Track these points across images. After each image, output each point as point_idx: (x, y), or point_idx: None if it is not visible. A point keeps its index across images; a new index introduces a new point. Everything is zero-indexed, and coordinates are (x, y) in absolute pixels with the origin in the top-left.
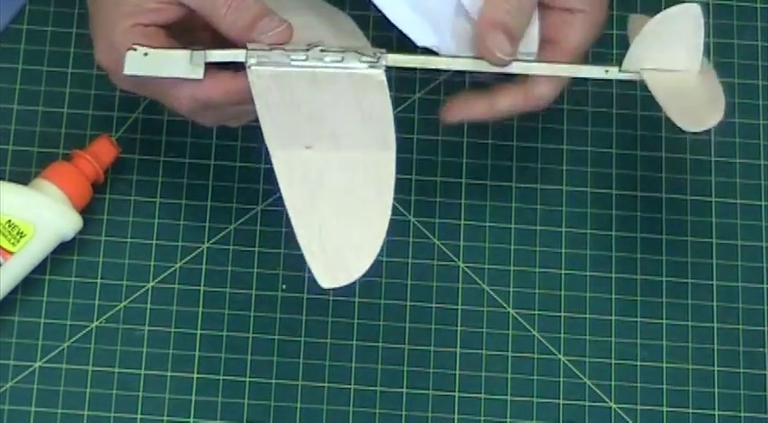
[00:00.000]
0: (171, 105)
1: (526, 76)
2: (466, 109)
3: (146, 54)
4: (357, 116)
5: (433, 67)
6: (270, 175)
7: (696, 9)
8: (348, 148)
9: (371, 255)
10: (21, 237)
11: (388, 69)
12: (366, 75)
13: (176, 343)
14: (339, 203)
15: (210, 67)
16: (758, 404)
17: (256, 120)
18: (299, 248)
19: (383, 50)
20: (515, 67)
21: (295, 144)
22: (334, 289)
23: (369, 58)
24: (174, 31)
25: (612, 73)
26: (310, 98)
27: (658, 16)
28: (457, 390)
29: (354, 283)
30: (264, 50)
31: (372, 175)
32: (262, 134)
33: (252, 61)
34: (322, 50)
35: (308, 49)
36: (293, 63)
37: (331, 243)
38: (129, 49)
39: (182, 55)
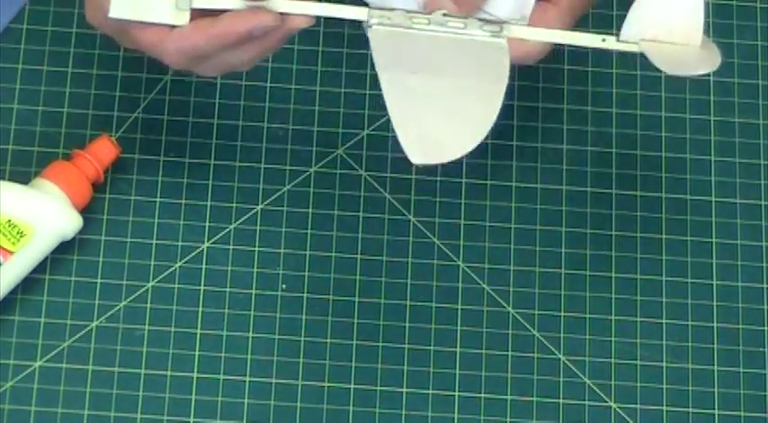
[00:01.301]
0: (165, 62)
1: None
2: None
3: None
4: (472, 62)
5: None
6: (270, 175)
7: None
8: (456, 76)
9: (470, 142)
10: (21, 237)
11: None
12: (488, 42)
13: (176, 343)
14: (442, 106)
15: (193, 14)
16: (758, 404)
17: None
18: (298, 248)
19: (504, 20)
20: (512, 32)
21: (402, 69)
22: (423, 167)
23: (491, 28)
24: None
25: (610, 42)
26: (430, 60)
27: None
28: (457, 390)
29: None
30: (386, 10)
31: (480, 98)
32: (263, 134)
33: (373, 21)
34: (445, 15)
35: (430, 14)
36: (415, 26)
37: (428, 127)
38: None
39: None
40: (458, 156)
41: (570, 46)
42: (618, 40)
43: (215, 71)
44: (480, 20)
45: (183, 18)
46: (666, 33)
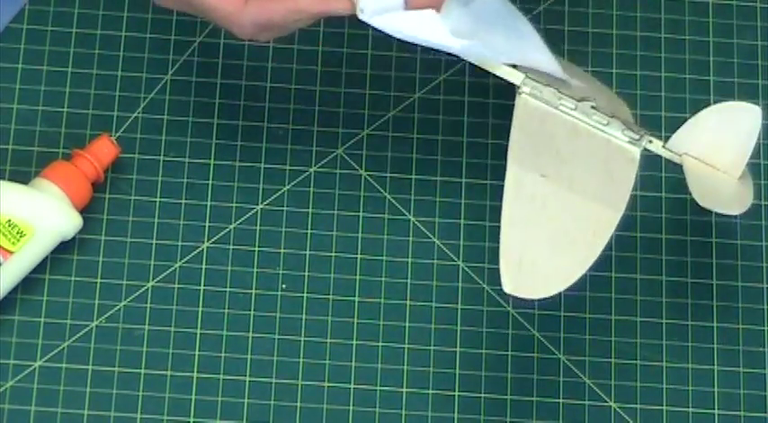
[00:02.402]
0: (234, 31)
1: None
2: None
3: None
4: (600, 172)
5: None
6: (270, 175)
7: (757, 111)
8: (580, 193)
9: (564, 283)
10: (21, 236)
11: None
12: (623, 147)
13: (176, 343)
14: (552, 232)
15: None
16: (758, 404)
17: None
18: (298, 248)
19: (647, 132)
20: (650, 145)
21: (533, 168)
22: (512, 298)
23: (631, 134)
24: None
25: (656, 146)
26: (564, 141)
27: (718, 105)
28: (457, 390)
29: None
30: (540, 84)
31: (593, 222)
32: (262, 134)
33: (525, 89)
34: (592, 107)
35: (579, 101)
36: (561, 107)
37: (529, 258)
38: None
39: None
40: (550, 294)
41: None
42: (664, 147)
43: (272, 38)
44: (623, 123)
45: None
46: (712, 156)
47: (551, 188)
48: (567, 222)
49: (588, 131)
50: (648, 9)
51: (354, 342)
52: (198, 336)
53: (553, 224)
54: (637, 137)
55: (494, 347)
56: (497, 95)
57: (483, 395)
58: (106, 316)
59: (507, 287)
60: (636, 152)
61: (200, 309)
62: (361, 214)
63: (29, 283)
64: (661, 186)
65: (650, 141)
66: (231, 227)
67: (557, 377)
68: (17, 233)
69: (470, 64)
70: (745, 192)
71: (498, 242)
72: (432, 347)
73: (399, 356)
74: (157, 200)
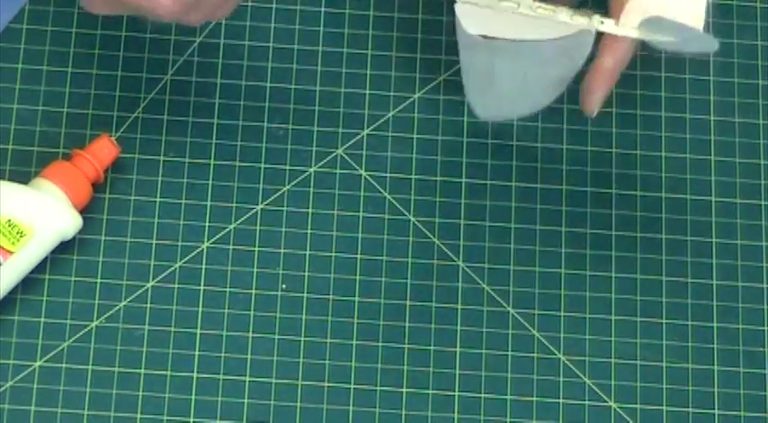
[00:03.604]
0: (155, 15)
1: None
2: (592, 92)
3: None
4: (551, 47)
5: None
6: (270, 175)
7: None
8: (532, 57)
9: (527, 110)
10: (21, 236)
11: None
12: (575, 34)
13: (176, 343)
14: (509, 81)
15: None
16: (758, 404)
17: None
18: (299, 248)
19: (595, 12)
20: (598, 24)
21: (482, 48)
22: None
23: (579, 18)
24: None
25: (608, 26)
26: (508, 24)
27: None
28: (457, 390)
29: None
30: None
31: (550, 81)
32: (262, 134)
33: None
34: (534, 0)
35: None
36: (503, 4)
37: (493, 90)
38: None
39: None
40: (514, 117)
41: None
42: (616, 24)
43: (199, 19)
44: (571, 10)
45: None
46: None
47: (505, 58)
48: (525, 78)
49: (537, 24)
50: None
51: (354, 342)
52: (198, 336)
53: (512, 75)
54: (586, 21)
55: (494, 347)
56: None
57: (483, 395)
58: (106, 316)
59: (480, 113)
60: (588, 39)
61: (200, 309)
62: (361, 214)
63: (29, 283)
64: (661, 186)
65: (602, 22)
66: (231, 227)
67: (557, 377)
68: (17, 233)
69: None
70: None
71: (498, 242)
72: (432, 347)
73: (399, 356)
74: (157, 200)
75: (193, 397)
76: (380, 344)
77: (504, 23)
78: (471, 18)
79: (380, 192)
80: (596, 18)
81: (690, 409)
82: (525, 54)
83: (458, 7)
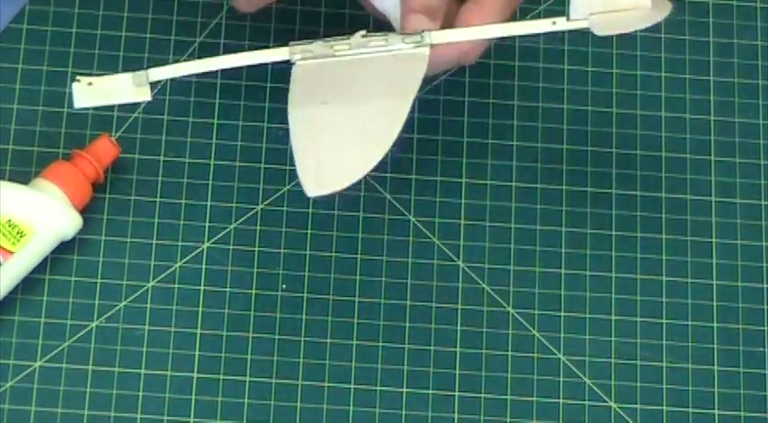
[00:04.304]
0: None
1: None
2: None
3: (90, 83)
4: (385, 81)
5: (474, 38)
6: (270, 175)
7: None
8: (363, 100)
9: (363, 169)
10: (21, 237)
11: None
12: (410, 54)
13: (176, 343)
14: (344, 132)
15: None
16: (758, 404)
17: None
18: (299, 248)
19: (423, 30)
20: (434, 38)
21: (313, 101)
22: (318, 199)
23: (413, 39)
24: None
25: (560, 23)
26: (345, 79)
27: None
28: (457, 390)
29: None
30: (306, 44)
31: (384, 115)
32: (263, 134)
33: (296, 57)
34: (364, 36)
35: (349, 38)
36: (337, 53)
37: (326, 158)
38: (74, 81)
39: (124, 78)
40: (354, 180)
41: (521, 36)
42: (568, 20)
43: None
44: (402, 34)
45: (145, 93)
46: (613, 2)
47: (335, 108)
48: (357, 122)
49: (372, 59)
50: None
51: (354, 342)
52: (198, 336)
53: (344, 127)
54: (418, 38)
55: (494, 347)
56: (497, 96)
57: (483, 395)
58: (106, 316)
59: (310, 190)
60: (424, 52)
61: (200, 309)
62: (361, 214)
63: (29, 283)
64: (661, 186)
65: (554, 23)
66: (231, 227)
67: (557, 377)
68: (17, 233)
69: (471, 66)
70: (661, 7)
71: (498, 242)
72: (432, 347)
73: (399, 356)
74: (157, 200)
75: (193, 397)
76: (380, 344)
77: (334, 83)
78: (306, 83)
79: (380, 192)
80: (427, 35)
81: (690, 409)
82: (354, 89)
83: (295, 70)
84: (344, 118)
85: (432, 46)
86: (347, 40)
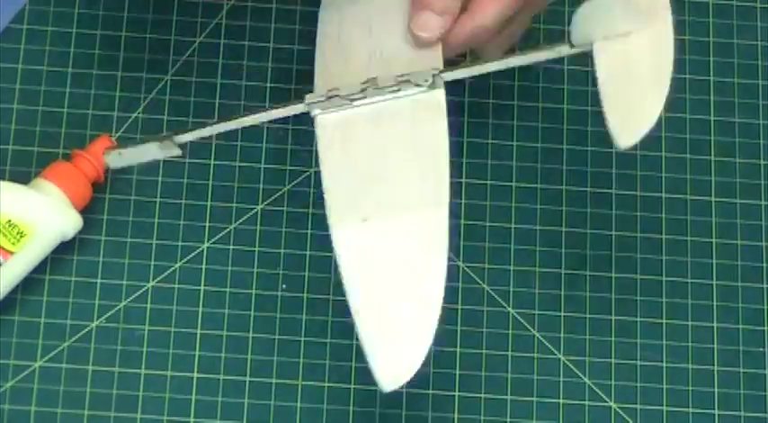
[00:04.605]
0: None
1: None
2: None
3: (120, 153)
4: (410, 153)
5: (486, 72)
6: (270, 175)
7: None
8: (402, 209)
9: (428, 337)
10: (21, 237)
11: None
12: (426, 99)
13: (176, 343)
14: (395, 277)
15: None
16: (758, 404)
17: None
18: (298, 248)
19: (436, 70)
20: (446, 76)
21: (353, 216)
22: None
23: (424, 81)
24: None
25: (564, 50)
26: (370, 141)
27: None
28: (457, 390)
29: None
30: (322, 100)
31: (427, 235)
32: (263, 134)
33: (316, 111)
34: (376, 88)
35: (364, 89)
36: (355, 103)
37: (390, 328)
38: (104, 152)
39: (152, 145)
40: (422, 359)
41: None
42: (571, 47)
43: None
44: (411, 81)
45: (176, 151)
46: (616, 27)
47: (376, 228)
48: (404, 256)
49: (390, 110)
50: None
51: (354, 342)
52: (198, 336)
53: (393, 269)
54: (430, 80)
55: (494, 347)
56: (497, 96)
57: (483, 395)
58: (106, 316)
59: (385, 385)
60: (440, 93)
61: (201, 309)
62: None
63: (29, 283)
64: (661, 186)
65: (559, 52)
66: (231, 227)
67: (557, 377)
68: (17, 233)
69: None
70: (662, 59)
71: (498, 242)
72: (432, 347)
73: None
74: (157, 200)
75: (193, 397)
76: None
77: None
78: (332, 142)
79: None
80: (440, 75)
81: (690, 409)
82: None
83: (317, 123)
84: (389, 241)
85: (446, 83)
86: (362, 91)
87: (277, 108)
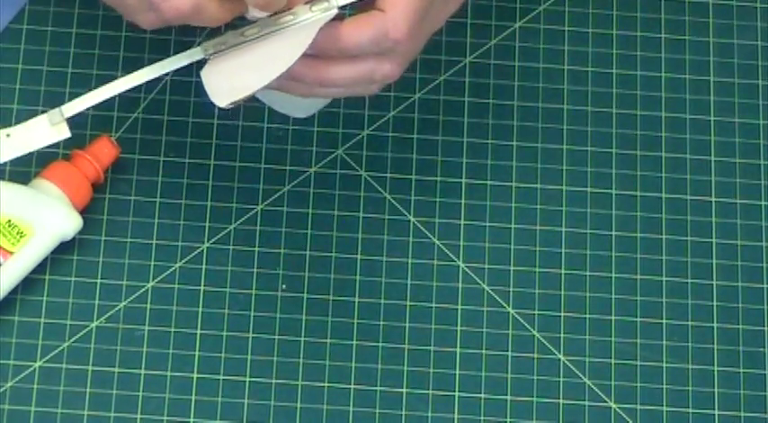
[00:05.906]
0: (135, 23)
1: None
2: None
3: (8, 135)
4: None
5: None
6: (270, 175)
7: None
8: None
9: (264, 80)
10: (21, 237)
11: (342, 8)
12: (321, 20)
13: (176, 343)
14: (251, 63)
15: None
16: (758, 404)
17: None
18: (298, 248)
19: None
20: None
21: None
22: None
23: (320, 5)
24: None
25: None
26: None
27: None
28: (457, 390)
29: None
30: (218, 38)
31: (287, 46)
32: (263, 134)
33: (210, 51)
34: (271, 16)
35: (257, 19)
36: (249, 38)
37: (234, 75)
38: None
39: (41, 121)
40: (248, 94)
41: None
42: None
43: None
44: (306, 4)
45: (64, 131)
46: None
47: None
48: (262, 49)
49: (283, 33)
50: (648, 9)
51: (354, 342)
52: (198, 336)
53: (251, 52)
54: (327, 3)
55: (493, 348)
56: (497, 96)
57: (483, 395)
58: (106, 316)
59: (220, 101)
60: (333, 13)
61: (201, 309)
62: (360, 214)
63: (29, 283)
64: (661, 186)
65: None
66: (231, 227)
67: (557, 377)
68: (17, 233)
69: (470, 63)
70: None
71: (498, 242)
72: (433, 347)
73: (399, 356)
74: (157, 200)
75: (193, 397)
76: (380, 344)
77: (250, 71)
78: (218, 85)
79: (380, 192)
80: None
81: (690, 410)
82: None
83: (204, 74)
84: (252, 49)
85: (339, 8)
86: (256, 25)
87: (174, 56)
